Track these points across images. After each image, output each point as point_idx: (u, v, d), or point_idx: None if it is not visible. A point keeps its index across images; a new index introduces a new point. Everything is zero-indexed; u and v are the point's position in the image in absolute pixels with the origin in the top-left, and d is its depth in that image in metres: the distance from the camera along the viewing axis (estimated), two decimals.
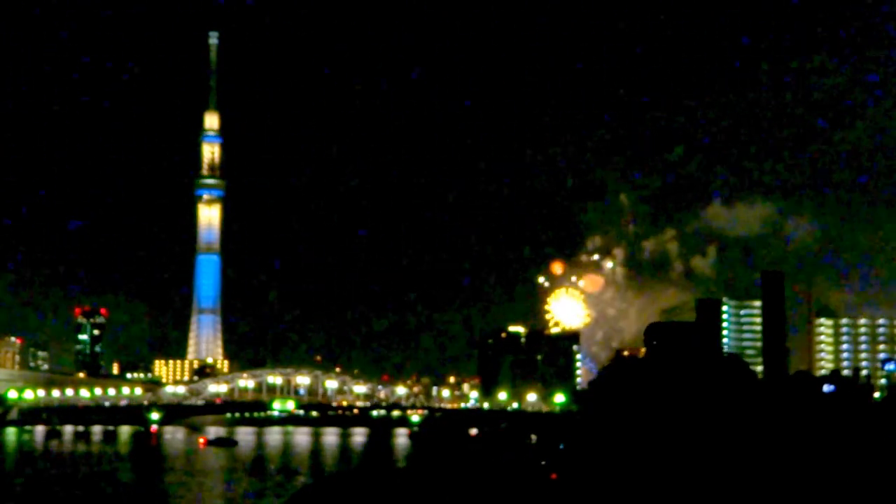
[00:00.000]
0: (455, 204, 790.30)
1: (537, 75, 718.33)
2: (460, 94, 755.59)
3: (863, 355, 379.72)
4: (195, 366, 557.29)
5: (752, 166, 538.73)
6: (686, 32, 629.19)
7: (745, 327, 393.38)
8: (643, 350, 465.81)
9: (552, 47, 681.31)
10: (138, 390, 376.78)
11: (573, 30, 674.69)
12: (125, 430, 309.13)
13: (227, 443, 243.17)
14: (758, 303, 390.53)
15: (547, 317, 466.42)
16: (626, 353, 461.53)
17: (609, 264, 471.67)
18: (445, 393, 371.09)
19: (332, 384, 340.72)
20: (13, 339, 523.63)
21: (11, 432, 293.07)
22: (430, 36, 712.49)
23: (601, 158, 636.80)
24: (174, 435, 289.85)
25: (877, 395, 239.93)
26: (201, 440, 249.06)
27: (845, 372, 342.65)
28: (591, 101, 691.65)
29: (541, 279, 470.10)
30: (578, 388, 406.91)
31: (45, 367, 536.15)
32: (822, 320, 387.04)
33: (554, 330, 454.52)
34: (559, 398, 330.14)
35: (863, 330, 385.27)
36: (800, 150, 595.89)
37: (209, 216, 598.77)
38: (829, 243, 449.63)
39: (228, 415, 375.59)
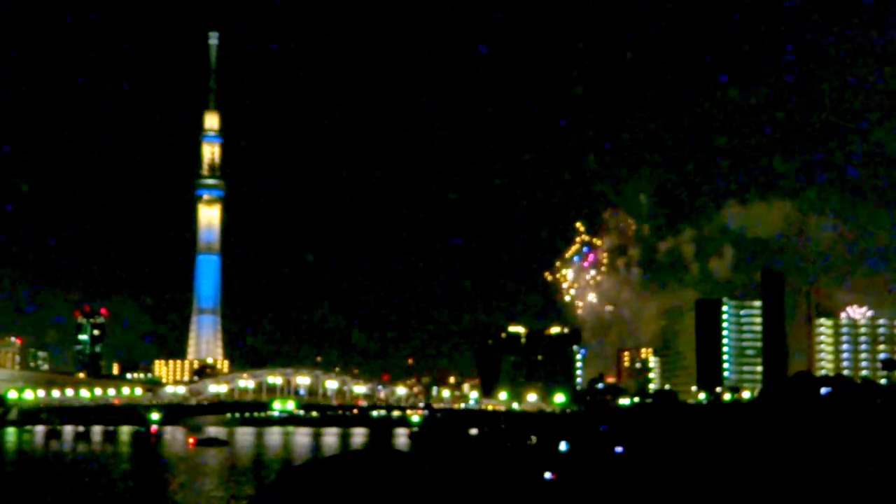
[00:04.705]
0: (457, 203, 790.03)
1: (553, 74, 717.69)
2: (464, 91, 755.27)
3: (863, 355, 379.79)
4: (195, 366, 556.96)
5: (772, 164, 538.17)
6: (700, 31, 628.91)
7: (745, 327, 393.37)
8: (644, 351, 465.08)
9: (564, 46, 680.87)
10: (138, 390, 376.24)
11: (588, 28, 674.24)
12: (125, 430, 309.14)
13: (218, 443, 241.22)
14: (758, 303, 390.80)
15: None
16: (626, 353, 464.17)
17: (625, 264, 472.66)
18: (445, 393, 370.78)
19: (332, 384, 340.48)
20: (13, 339, 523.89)
21: (11, 432, 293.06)
22: (431, 33, 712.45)
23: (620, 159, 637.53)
24: (174, 435, 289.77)
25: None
26: (191, 440, 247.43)
27: (845, 372, 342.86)
28: (600, 100, 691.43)
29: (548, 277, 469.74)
30: (578, 388, 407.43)
31: (45, 367, 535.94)
32: (822, 320, 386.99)
33: (554, 330, 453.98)
34: (559, 398, 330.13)
35: (863, 330, 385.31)
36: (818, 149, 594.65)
37: (209, 216, 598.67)
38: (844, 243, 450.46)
39: (228, 415, 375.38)
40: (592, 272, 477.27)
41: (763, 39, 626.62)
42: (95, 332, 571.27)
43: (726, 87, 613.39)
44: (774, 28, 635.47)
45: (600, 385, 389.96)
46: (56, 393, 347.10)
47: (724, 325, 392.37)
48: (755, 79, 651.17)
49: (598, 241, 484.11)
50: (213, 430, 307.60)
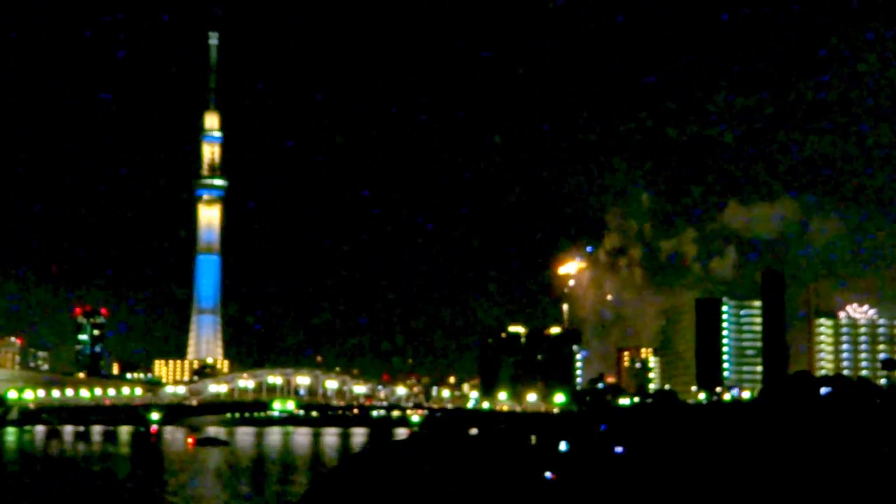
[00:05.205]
0: (459, 203, 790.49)
1: (554, 73, 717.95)
2: (466, 90, 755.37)
3: (863, 355, 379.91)
4: (195, 366, 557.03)
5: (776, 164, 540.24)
6: (704, 31, 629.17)
7: (745, 327, 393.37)
8: (644, 351, 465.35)
9: (564, 46, 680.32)
10: (138, 390, 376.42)
11: (589, 32, 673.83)
12: (125, 430, 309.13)
13: (217, 443, 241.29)
14: (758, 303, 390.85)
15: None
16: (626, 353, 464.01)
17: (626, 264, 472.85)
18: (445, 393, 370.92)
19: (332, 384, 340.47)
20: (13, 339, 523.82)
21: (11, 432, 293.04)
22: (431, 33, 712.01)
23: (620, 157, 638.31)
24: (174, 435, 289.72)
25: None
26: (190, 440, 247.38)
27: (845, 372, 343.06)
28: (605, 101, 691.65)
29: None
30: (578, 388, 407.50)
31: (45, 367, 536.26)
32: (822, 320, 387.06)
33: (554, 330, 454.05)
34: (559, 398, 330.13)
35: (863, 330, 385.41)
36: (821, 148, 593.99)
37: (209, 216, 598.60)
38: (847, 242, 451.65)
39: (228, 415, 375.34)
40: (594, 272, 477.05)
41: (766, 42, 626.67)
42: (95, 332, 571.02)
43: (730, 89, 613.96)
44: (777, 30, 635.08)
45: (600, 385, 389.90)
46: (56, 393, 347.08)
47: (724, 325, 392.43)
48: (756, 82, 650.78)
49: (600, 241, 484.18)
50: (213, 430, 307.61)
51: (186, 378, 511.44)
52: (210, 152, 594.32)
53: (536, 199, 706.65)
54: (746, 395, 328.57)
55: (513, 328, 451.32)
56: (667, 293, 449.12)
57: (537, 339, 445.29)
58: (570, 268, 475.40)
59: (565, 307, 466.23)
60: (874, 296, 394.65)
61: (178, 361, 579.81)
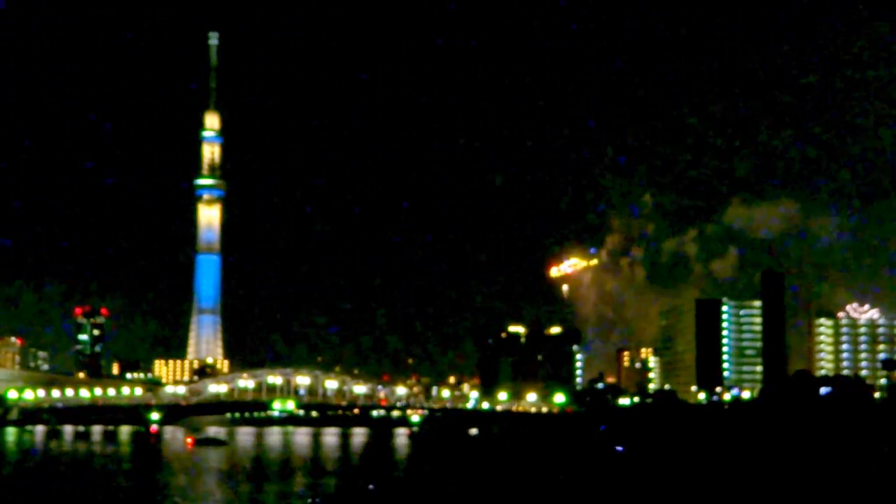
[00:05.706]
0: (459, 203, 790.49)
1: (555, 74, 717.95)
2: (466, 90, 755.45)
3: (863, 355, 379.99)
4: (195, 366, 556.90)
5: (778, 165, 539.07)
6: (703, 29, 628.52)
7: (744, 327, 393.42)
8: (644, 351, 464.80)
9: (564, 46, 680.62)
10: (138, 390, 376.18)
11: (589, 28, 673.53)
12: (125, 430, 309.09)
13: (215, 443, 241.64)
14: (758, 303, 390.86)
15: None
16: (626, 353, 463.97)
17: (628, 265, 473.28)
18: (445, 393, 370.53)
19: (331, 384, 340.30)
20: (13, 339, 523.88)
21: (11, 432, 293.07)
22: (431, 33, 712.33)
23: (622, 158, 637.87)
24: (174, 435, 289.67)
25: (876, 394, 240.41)
26: (189, 440, 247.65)
27: (845, 372, 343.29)
28: (606, 101, 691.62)
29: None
30: (578, 388, 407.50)
31: (45, 367, 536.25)
32: (822, 320, 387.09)
33: (554, 330, 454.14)
34: (559, 398, 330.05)
35: (863, 330, 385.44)
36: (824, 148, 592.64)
37: (209, 216, 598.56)
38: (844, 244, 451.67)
39: (228, 415, 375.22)
40: (595, 272, 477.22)
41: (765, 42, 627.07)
42: (95, 332, 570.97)
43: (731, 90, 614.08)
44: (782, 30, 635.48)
45: (600, 385, 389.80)
46: (56, 393, 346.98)
47: (724, 325, 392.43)
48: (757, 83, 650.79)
49: (602, 242, 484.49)
50: (213, 430, 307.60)
51: (186, 378, 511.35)
52: (210, 152, 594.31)
53: (538, 198, 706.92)
54: (746, 395, 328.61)
55: (513, 328, 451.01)
56: (668, 293, 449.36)
57: (537, 339, 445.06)
58: (572, 267, 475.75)
59: (565, 287, 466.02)
60: (874, 296, 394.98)
61: (178, 361, 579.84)
